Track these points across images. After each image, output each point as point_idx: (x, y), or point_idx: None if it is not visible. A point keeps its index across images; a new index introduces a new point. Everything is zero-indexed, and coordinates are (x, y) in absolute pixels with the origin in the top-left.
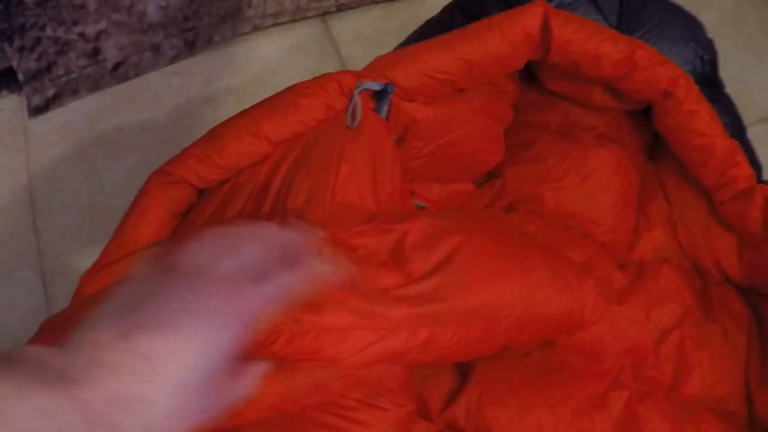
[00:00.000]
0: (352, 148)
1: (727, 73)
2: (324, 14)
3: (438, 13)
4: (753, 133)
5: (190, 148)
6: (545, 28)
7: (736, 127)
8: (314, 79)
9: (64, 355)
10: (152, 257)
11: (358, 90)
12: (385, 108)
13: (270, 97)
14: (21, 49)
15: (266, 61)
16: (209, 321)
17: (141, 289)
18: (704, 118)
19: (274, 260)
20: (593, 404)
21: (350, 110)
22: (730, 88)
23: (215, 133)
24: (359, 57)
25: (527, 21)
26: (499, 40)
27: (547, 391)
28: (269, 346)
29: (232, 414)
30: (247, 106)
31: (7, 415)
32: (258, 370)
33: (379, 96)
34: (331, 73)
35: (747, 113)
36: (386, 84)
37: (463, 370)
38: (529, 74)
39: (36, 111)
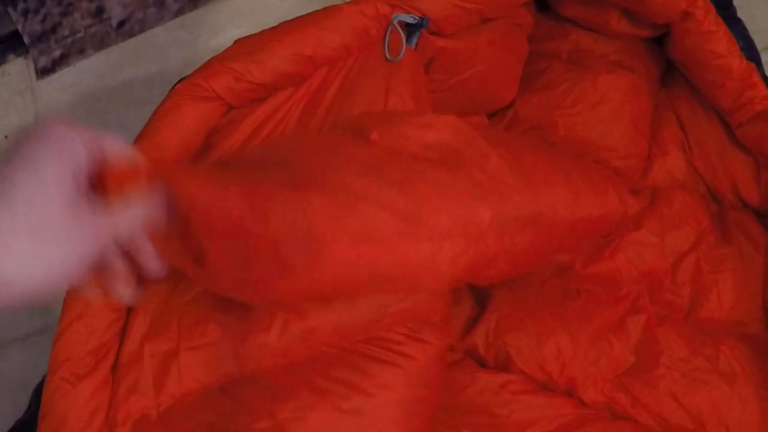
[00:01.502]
0: (396, 81)
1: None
2: None
3: None
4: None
5: (224, 60)
6: None
7: (752, 51)
8: (353, 2)
9: None
10: None
11: (395, 20)
12: (415, 40)
13: (308, 15)
14: (25, 12)
15: (271, 9)
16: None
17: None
18: (722, 39)
19: None
20: (611, 328)
21: (387, 41)
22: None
23: (253, 48)
24: None
25: None
26: None
27: (565, 316)
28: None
29: (282, 352)
30: None
31: None
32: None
33: (412, 29)
34: None
35: (754, 41)
36: (421, 18)
37: (481, 300)
38: (540, 5)
39: (43, 72)
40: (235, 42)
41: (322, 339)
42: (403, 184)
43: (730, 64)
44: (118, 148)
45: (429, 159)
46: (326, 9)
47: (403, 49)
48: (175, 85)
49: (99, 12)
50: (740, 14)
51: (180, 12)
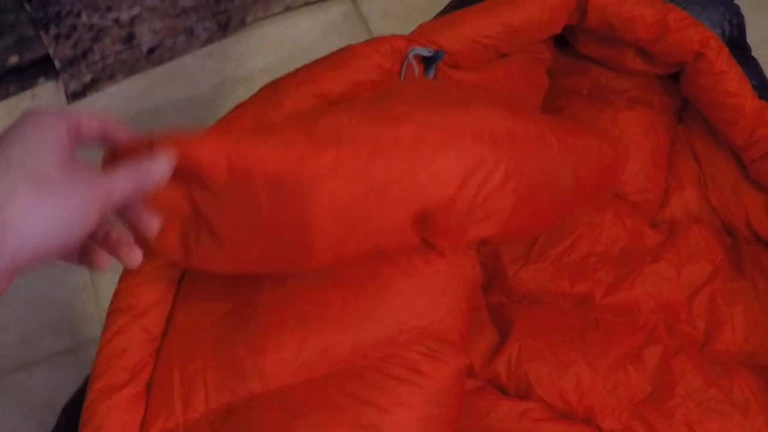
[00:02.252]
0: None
1: (749, 40)
2: None
3: None
4: None
5: (246, 105)
6: None
7: (765, 89)
8: (368, 41)
9: None
10: None
11: (411, 54)
12: (432, 73)
13: (324, 57)
14: (57, 37)
15: (298, 40)
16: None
17: None
18: (734, 79)
19: None
20: (629, 359)
21: (403, 74)
22: (753, 55)
23: (271, 91)
24: (389, 33)
25: None
26: (540, 5)
27: (584, 346)
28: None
29: (301, 369)
30: None
31: None
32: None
33: (428, 61)
34: (383, 36)
35: None
36: (437, 51)
37: (503, 330)
38: (561, 42)
39: (74, 96)
40: (259, 89)
41: (341, 356)
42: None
43: (742, 103)
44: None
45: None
46: (341, 50)
47: None
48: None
49: (129, 38)
50: (756, 51)
51: (209, 41)
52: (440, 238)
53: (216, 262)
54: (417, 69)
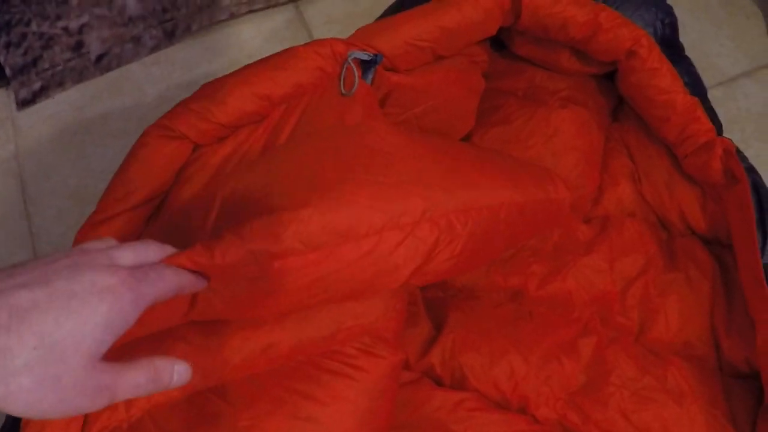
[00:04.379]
0: (350, 113)
1: (685, 40)
2: (296, 0)
3: None
4: (712, 96)
5: (189, 103)
6: None
7: (696, 87)
8: (309, 44)
9: None
10: None
11: (351, 57)
12: (370, 76)
13: (267, 58)
14: (7, 45)
15: (243, 46)
16: (93, 290)
17: (34, 261)
18: (666, 76)
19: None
20: (563, 349)
21: (342, 77)
22: (690, 55)
23: (215, 89)
24: None
25: None
26: (473, 7)
27: (518, 338)
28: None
29: (242, 365)
30: None
31: None
32: (178, 369)
33: (366, 65)
34: (324, 39)
35: (706, 77)
36: (375, 54)
37: (438, 324)
38: (497, 44)
39: (24, 104)
40: (201, 86)
41: (281, 353)
42: (332, 189)
43: (674, 99)
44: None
45: (360, 160)
46: (283, 51)
47: (356, 84)
48: (146, 129)
49: (78, 46)
50: (693, 51)
51: (155, 48)
52: None
53: None
54: (356, 72)
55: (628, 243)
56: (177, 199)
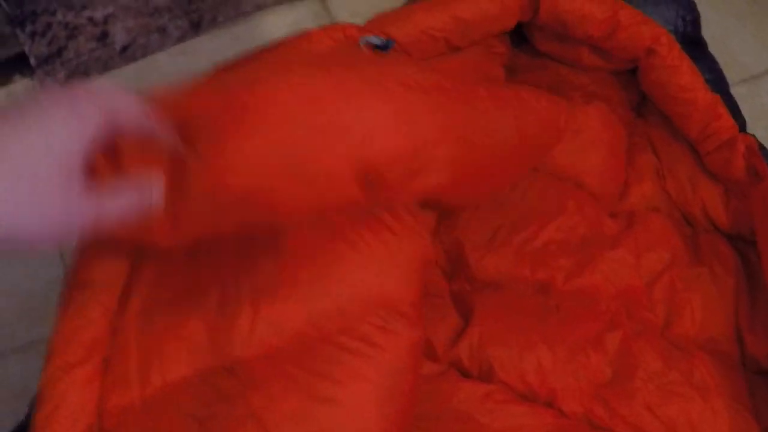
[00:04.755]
0: None
1: (708, 35)
2: None
3: None
4: (736, 92)
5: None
6: None
7: (719, 84)
8: (323, 27)
9: None
10: None
11: (362, 42)
12: None
13: (282, 40)
14: (33, 35)
15: (268, 38)
16: (48, 106)
17: None
18: (686, 73)
19: None
20: (589, 343)
21: None
22: (713, 50)
23: (230, 70)
24: None
25: None
26: (490, 0)
27: (545, 331)
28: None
29: (255, 342)
30: None
31: None
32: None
33: (380, 50)
34: (337, 24)
35: (730, 73)
36: (387, 39)
37: (465, 315)
38: (521, 38)
39: None
40: (215, 71)
41: (294, 328)
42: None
43: (695, 97)
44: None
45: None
46: (297, 33)
47: None
48: None
49: (103, 36)
50: (717, 47)
51: (181, 38)
52: (386, 193)
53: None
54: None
55: (654, 238)
56: None
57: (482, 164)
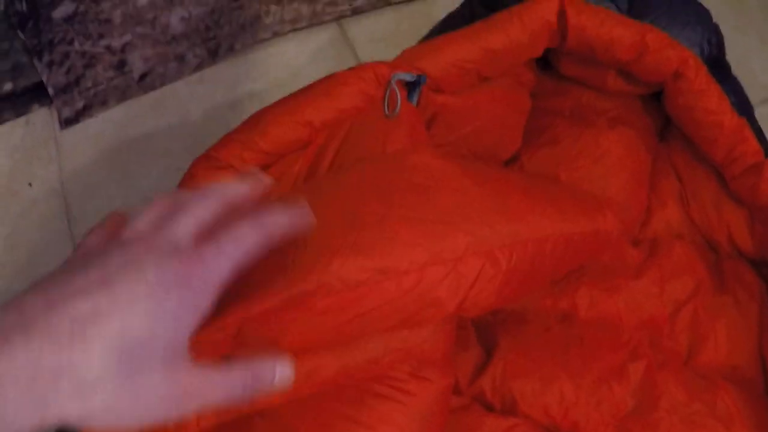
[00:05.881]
0: (394, 134)
1: (730, 56)
2: (339, 18)
3: (458, 7)
4: (759, 114)
5: (233, 134)
6: (561, 16)
7: (743, 106)
8: (351, 69)
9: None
10: (104, 229)
11: (394, 80)
12: (416, 97)
13: (309, 86)
14: (50, 64)
15: (287, 65)
16: (157, 284)
17: (85, 259)
18: (713, 97)
19: (224, 216)
20: (612, 374)
21: (387, 99)
22: (734, 71)
23: (258, 119)
24: (375, 58)
25: (545, 10)
26: (520, 29)
27: (568, 363)
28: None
29: (292, 390)
30: None
31: None
32: (280, 369)
33: (411, 86)
34: (367, 63)
35: (752, 94)
36: (419, 75)
37: (488, 348)
38: (543, 63)
39: (67, 123)
40: (246, 118)
41: (327, 377)
42: (373, 227)
43: (721, 120)
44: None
45: (401, 194)
46: (324, 77)
47: (398, 104)
48: (194, 161)
49: (121, 65)
50: (738, 68)
51: (199, 67)
52: None
53: None
54: (400, 94)
55: (678, 266)
56: None
57: (530, 284)
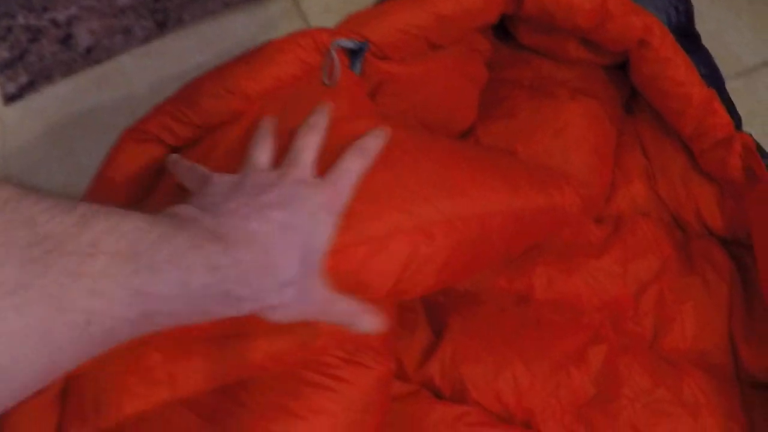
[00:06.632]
0: (334, 105)
1: (704, 30)
2: None
3: None
4: (731, 87)
5: (163, 105)
6: None
7: (714, 78)
8: (289, 35)
9: (212, 218)
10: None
11: (334, 47)
12: (358, 65)
13: (244, 54)
14: None
15: (237, 37)
16: (320, 207)
17: (250, 180)
18: (680, 66)
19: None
20: (571, 359)
21: (326, 67)
22: (708, 44)
23: (189, 90)
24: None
25: None
26: None
27: (523, 346)
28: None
29: (214, 375)
30: None
31: (183, 260)
32: (371, 318)
33: (354, 53)
34: (306, 29)
35: (725, 67)
36: (362, 42)
37: (438, 331)
38: (502, 32)
39: (10, 98)
40: (179, 89)
41: (254, 362)
42: None
43: (690, 92)
44: None
45: None
46: (261, 45)
47: (337, 73)
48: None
49: (67, 39)
50: (710, 40)
51: (146, 39)
52: None
53: None
54: (340, 62)
55: (643, 244)
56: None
57: (471, 267)
